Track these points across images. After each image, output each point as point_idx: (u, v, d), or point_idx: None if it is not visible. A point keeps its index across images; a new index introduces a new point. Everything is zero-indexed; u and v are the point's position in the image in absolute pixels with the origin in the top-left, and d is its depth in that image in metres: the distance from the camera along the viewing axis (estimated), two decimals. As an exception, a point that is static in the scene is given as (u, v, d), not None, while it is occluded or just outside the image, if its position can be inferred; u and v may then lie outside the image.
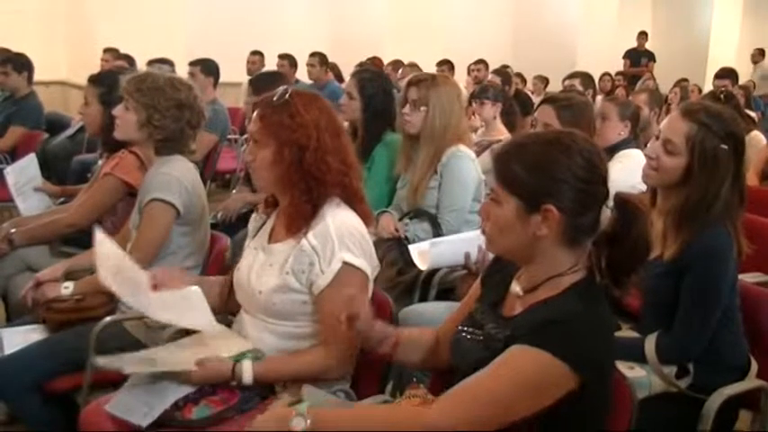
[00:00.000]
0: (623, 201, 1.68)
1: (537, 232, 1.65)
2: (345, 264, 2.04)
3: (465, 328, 1.87)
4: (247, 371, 2.03)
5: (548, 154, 1.66)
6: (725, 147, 2.17)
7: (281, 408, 1.76)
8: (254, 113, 2.15)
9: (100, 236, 2.35)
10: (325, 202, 2.10)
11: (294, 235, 2.10)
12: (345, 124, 3.78)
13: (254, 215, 2.36)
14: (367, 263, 2.09)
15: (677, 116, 2.24)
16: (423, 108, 3.34)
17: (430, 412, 1.63)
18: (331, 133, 2.11)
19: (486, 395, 1.60)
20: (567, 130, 1.89)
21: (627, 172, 3.18)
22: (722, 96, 5.59)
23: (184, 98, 2.73)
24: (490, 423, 1.61)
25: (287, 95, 2.10)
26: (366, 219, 2.18)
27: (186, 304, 2.15)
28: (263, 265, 2.17)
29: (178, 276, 2.34)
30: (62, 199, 3.95)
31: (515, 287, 1.78)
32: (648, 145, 2.31)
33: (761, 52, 13.68)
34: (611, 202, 1.68)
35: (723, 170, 2.17)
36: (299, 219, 2.10)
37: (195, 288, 2.15)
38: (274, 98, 2.11)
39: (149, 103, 2.69)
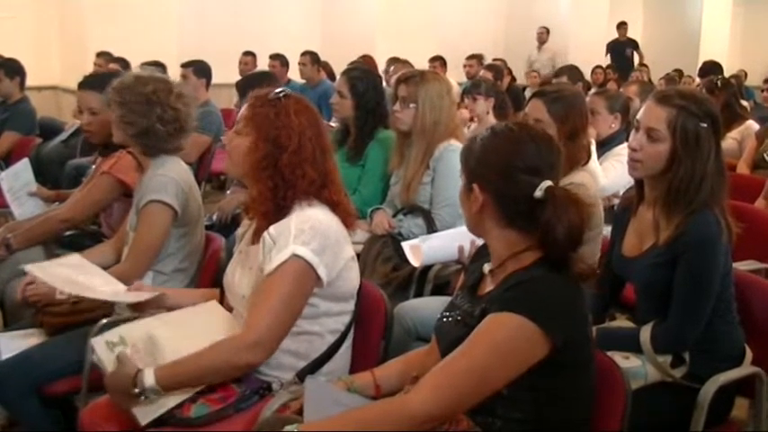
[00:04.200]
0: (552, 192, 1.75)
1: (473, 208, 1.83)
2: (295, 255, 2.02)
3: (445, 313, 1.94)
4: (149, 375, 1.96)
5: (487, 141, 1.83)
6: (704, 125, 2.20)
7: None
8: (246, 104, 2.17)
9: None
10: (293, 204, 2.10)
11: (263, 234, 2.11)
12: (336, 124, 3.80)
13: (243, 221, 2.39)
14: (320, 260, 2.05)
15: (653, 104, 2.25)
16: (412, 105, 3.35)
17: (412, 403, 1.66)
18: (315, 145, 2.12)
19: (463, 371, 1.66)
20: (521, 122, 2.06)
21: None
22: (718, 85, 5.62)
23: (151, 92, 2.69)
24: (471, 396, 1.68)
25: (282, 95, 2.13)
26: (347, 220, 2.19)
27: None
28: (243, 268, 2.22)
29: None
30: (57, 204, 3.95)
31: (486, 267, 1.89)
32: (630, 138, 2.33)
33: (548, 30, 12.43)
34: (539, 192, 1.75)
35: (706, 149, 2.20)
36: (261, 216, 2.13)
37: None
38: (270, 94, 2.14)
39: (119, 100, 2.69)
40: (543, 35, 12.39)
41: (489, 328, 1.67)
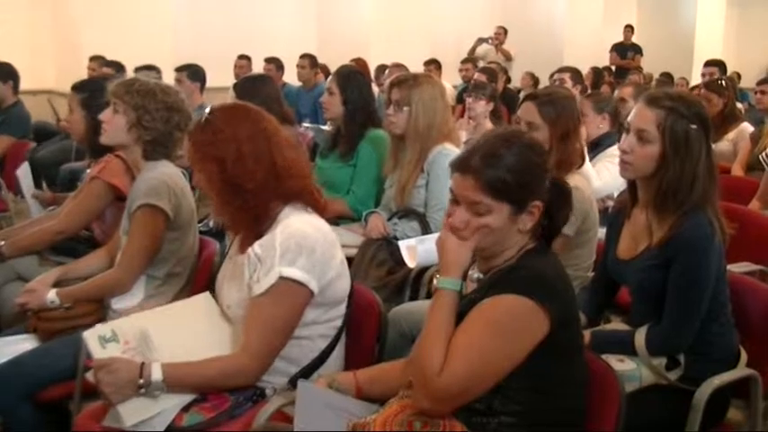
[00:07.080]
0: (556, 181, 1.85)
1: (521, 228, 1.79)
2: (282, 278, 2.00)
3: None
4: (156, 369, 1.97)
5: (521, 155, 1.78)
6: (694, 127, 2.20)
7: None
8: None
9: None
10: (274, 209, 2.10)
11: (249, 246, 2.10)
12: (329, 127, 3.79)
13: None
14: (310, 276, 2.03)
15: (643, 106, 2.26)
16: (405, 108, 3.35)
17: (437, 379, 1.67)
18: (257, 142, 2.08)
19: (476, 352, 1.67)
20: (509, 127, 2.05)
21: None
22: (723, 85, 5.61)
23: (173, 102, 2.74)
24: (487, 381, 1.69)
25: (209, 114, 2.11)
26: (321, 211, 2.18)
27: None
28: (230, 278, 2.21)
29: None
30: (52, 208, 3.94)
31: (473, 273, 1.89)
32: (621, 140, 2.33)
33: (505, 31, 11.25)
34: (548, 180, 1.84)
35: (696, 150, 2.20)
36: (244, 229, 2.14)
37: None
38: (201, 119, 2.12)
39: (139, 104, 2.69)
40: (501, 36, 11.13)
41: (488, 312, 1.69)
